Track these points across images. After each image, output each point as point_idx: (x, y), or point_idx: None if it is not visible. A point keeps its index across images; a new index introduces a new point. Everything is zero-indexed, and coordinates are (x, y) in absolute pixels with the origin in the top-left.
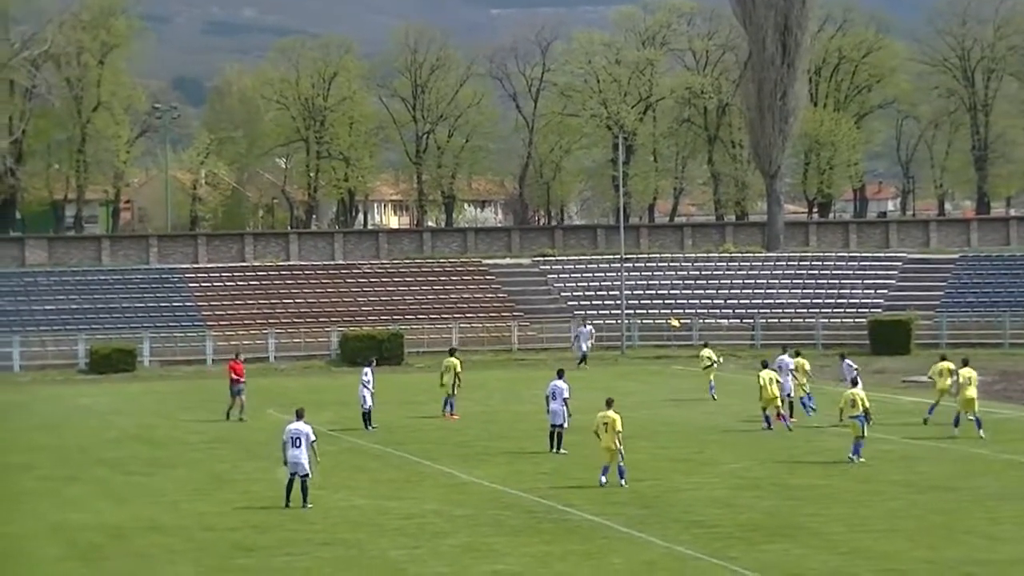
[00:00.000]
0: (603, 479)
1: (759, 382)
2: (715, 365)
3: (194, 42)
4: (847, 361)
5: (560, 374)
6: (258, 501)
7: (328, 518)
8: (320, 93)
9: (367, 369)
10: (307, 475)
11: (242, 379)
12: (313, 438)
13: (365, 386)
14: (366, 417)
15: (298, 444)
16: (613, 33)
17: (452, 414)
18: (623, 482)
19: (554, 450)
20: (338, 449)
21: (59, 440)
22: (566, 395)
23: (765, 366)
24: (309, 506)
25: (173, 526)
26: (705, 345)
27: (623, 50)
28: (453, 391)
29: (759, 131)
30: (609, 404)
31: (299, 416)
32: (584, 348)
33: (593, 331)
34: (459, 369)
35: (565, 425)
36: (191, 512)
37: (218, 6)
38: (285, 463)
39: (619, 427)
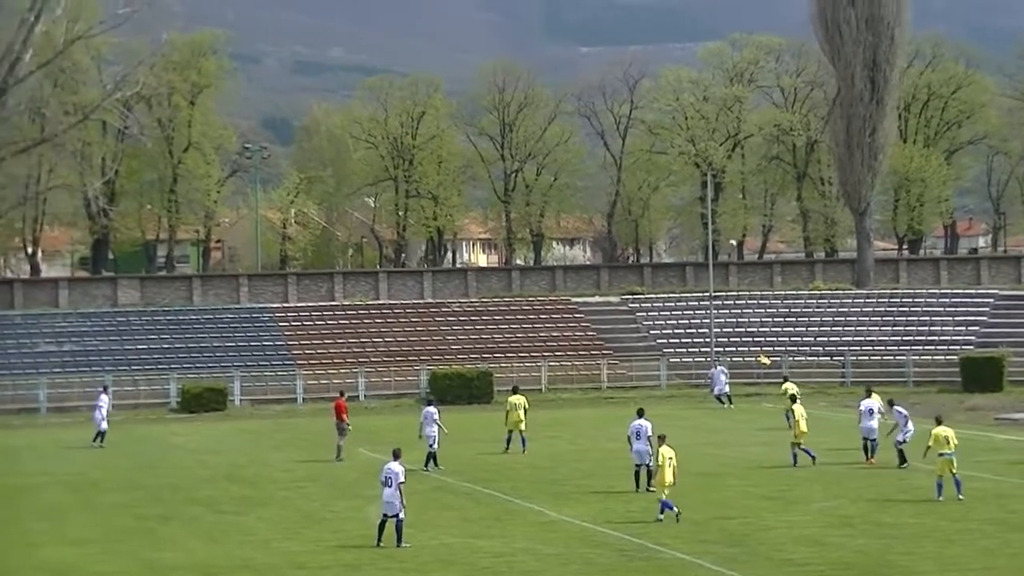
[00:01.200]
0: (662, 516)
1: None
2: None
3: (282, 82)
4: (897, 407)
5: (640, 413)
6: (349, 540)
7: (419, 557)
8: (408, 132)
9: (433, 409)
10: (397, 516)
11: (346, 418)
12: (402, 479)
13: (433, 424)
14: (433, 457)
15: (390, 484)
16: (701, 70)
17: (523, 450)
18: (676, 511)
19: (639, 489)
20: (428, 487)
21: (153, 479)
22: (649, 433)
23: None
24: (406, 545)
25: (265, 565)
26: (786, 379)
27: (711, 87)
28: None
29: (848, 168)
30: (662, 440)
31: (395, 456)
32: (722, 388)
33: (726, 371)
34: (527, 407)
35: (651, 464)
36: (282, 551)
37: (305, 46)
38: (383, 503)
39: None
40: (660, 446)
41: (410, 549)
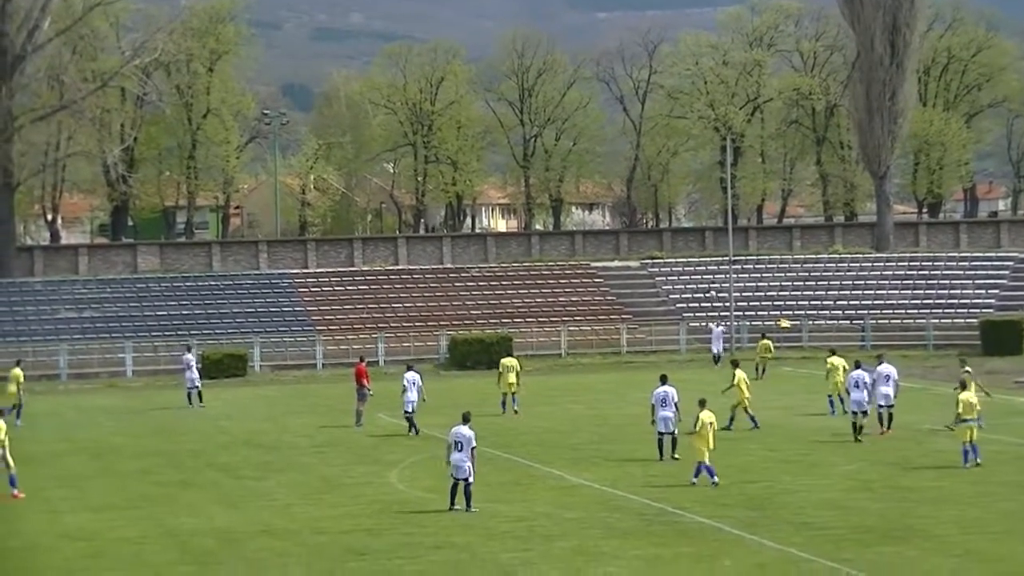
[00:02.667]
0: (696, 479)
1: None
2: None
3: (302, 48)
4: (862, 370)
5: (664, 379)
6: (370, 505)
7: (439, 521)
8: (427, 98)
9: (415, 374)
10: (467, 480)
11: (367, 383)
12: (474, 444)
13: (415, 390)
14: (411, 422)
15: (460, 448)
16: (720, 35)
17: (515, 410)
18: (715, 480)
19: (663, 458)
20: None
21: (173, 445)
22: (676, 399)
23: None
24: (474, 509)
25: (285, 530)
26: (832, 352)
27: (730, 51)
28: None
29: (868, 132)
30: (703, 404)
31: (465, 420)
32: (716, 349)
33: (723, 331)
34: (519, 369)
35: (675, 432)
36: (303, 516)
37: (325, 13)
38: (448, 464)
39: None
40: (701, 411)
41: (430, 515)
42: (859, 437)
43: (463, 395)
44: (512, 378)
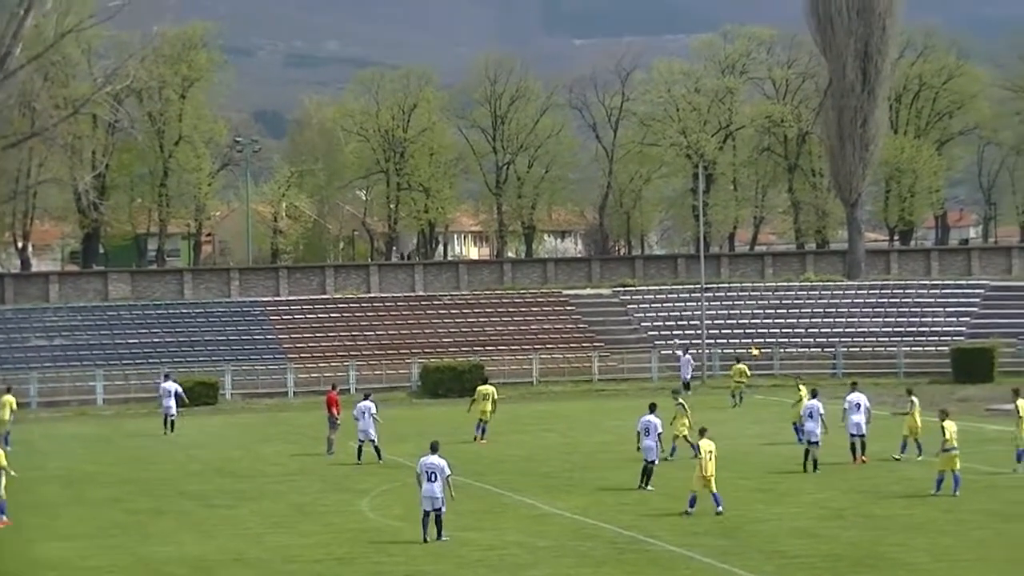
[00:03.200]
0: (692, 509)
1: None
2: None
3: (275, 75)
4: (817, 400)
5: (652, 408)
6: (341, 533)
7: (410, 550)
8: (400, 124)
9: (369, 403)
10: (440, 509)
11: (335, 411)
12: (448, 472)
13: (369, 418)
14: (378, 450)
15: (433, 479)
16: (693, 62)
17: (482, 439)
18: (720, 508)
19: (643, 486)
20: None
21: (145, 473)
22: (660, 430)
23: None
24: (445, 538)
25: (256, 559)
26: (799, 378)
27: (703, 79)
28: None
29: (839, 159)
30: (703, 433)
31: (434, 449)
32: (685, 375)
33: (691, 359)
34: (495, 396)
35: (657, 461)
36: (274, 545)
37: (300, 39)
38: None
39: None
40: (701, 439)
41: (401, 544)
42: (812, 468)
43: (435, 423)
44: (487, 406)
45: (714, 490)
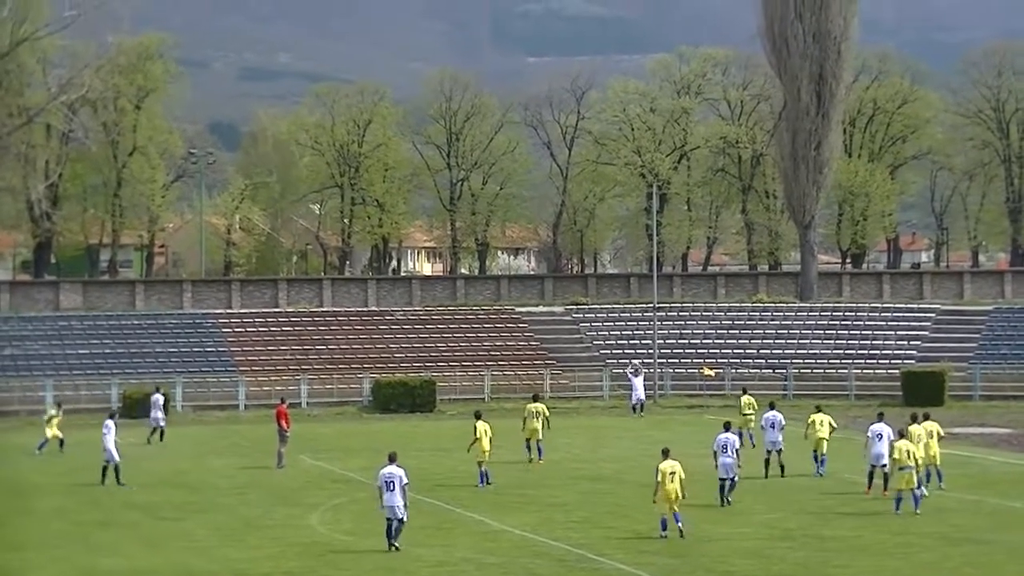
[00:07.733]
0: (665, 532)
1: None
2: (753, 413)
3: (230, 87)
4: (774, 412)
5: (727, 427)
6: (291, 547)
7: (360, 564)
8: (355, 139)
9: (111, 422)
10: (401, 519)
11: (284, 424)
12: (406, 481)
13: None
14: (117, 472)
15: (392, 488)
16: (648, 82)
17: (540, 459)
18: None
19: (723, 504)
20: (369, 495)
21: (92, 484)
22: (738, 447)
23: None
24: (397, 546)
25: (205, 572)
26: (744, 392)
27: (658, 99)
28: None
29: (793, 181)
30: (666, 454)
31: (391, 460)
32: (636, 397)
33: (643, 380)
34: (547, 415)
35: (736, 478)
36: (223, 558)
37: (253, 52)
38: (382, 507)
39: (682, 475)
40: (663, 460)
41: (350, 557)
42: (780, 473)
43: (385, 439)
44: (536, 424)
45: (676, 509)
